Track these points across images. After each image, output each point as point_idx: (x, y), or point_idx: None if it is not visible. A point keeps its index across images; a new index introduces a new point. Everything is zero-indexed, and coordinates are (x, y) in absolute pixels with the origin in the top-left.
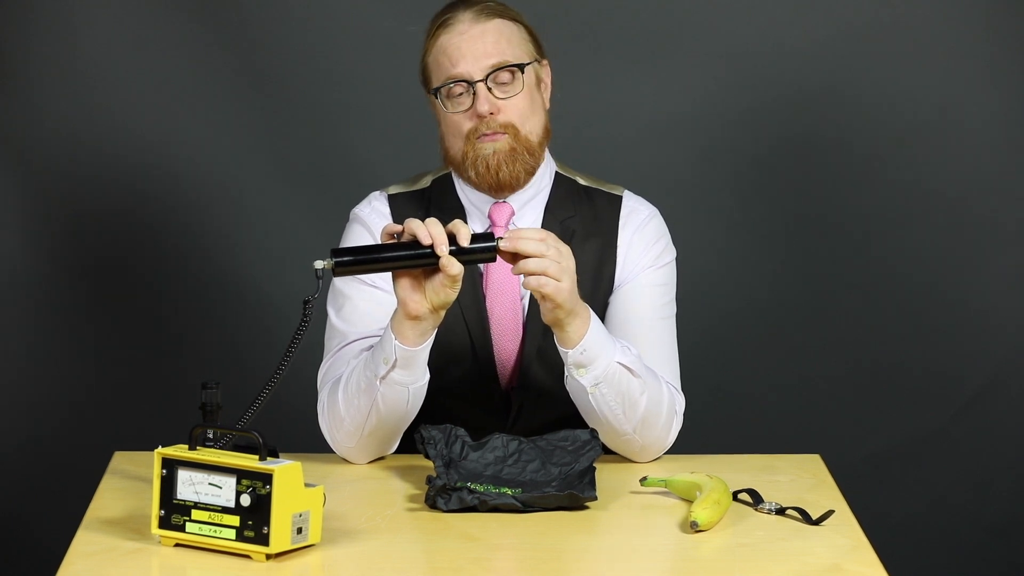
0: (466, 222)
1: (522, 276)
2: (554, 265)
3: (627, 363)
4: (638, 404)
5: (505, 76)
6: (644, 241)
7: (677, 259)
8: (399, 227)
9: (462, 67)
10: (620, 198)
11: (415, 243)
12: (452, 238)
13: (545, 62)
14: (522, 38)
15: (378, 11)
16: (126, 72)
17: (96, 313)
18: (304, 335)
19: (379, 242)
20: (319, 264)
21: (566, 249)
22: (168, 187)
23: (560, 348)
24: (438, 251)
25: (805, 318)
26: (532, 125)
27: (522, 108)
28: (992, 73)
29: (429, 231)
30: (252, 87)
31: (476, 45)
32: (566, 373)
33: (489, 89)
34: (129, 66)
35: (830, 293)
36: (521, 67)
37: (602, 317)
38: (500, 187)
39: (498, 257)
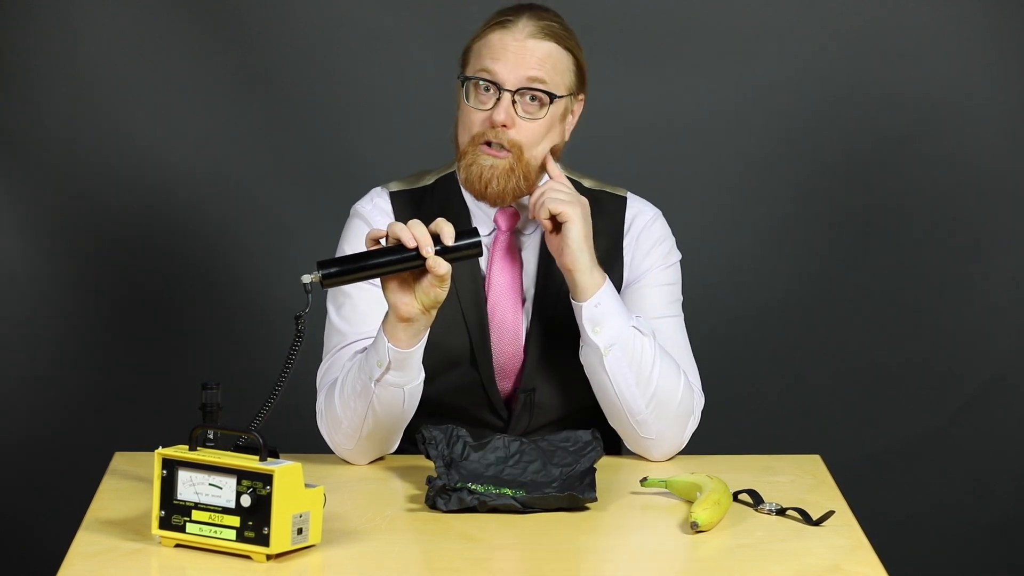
0: (471, 223)
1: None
2: (560, 191)
3: (641, 328)
4: (651, 377)
5: (534, 98)
6: (650, 241)
7: (680, 260)
8: (383, 231)
9: (500, 70)
10: (624, 200)
11: (400, 247)
12: (436, 238)
13: (581, 97)
14: (568, 68)
15: (378, 11)
16: (126, 72)
17: (96, 313)
18: (299, 350)
19: (366, 248)
20: (307, 278)
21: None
22: (168, 187)
23: (574, 303)
24: (423, 252)
25: (805, 318)
26: (538, 152)
27: (535, 134)
28: (993, 73)
29: (412, 233)
30: (251, 86)
31: (522, 57)
32: (581, 342)
33: (514, 103)
34: (129, 66)
35: (830, 293)
36: (552, 98)
37: None
38: (484, 199)
39: (485, 251)
